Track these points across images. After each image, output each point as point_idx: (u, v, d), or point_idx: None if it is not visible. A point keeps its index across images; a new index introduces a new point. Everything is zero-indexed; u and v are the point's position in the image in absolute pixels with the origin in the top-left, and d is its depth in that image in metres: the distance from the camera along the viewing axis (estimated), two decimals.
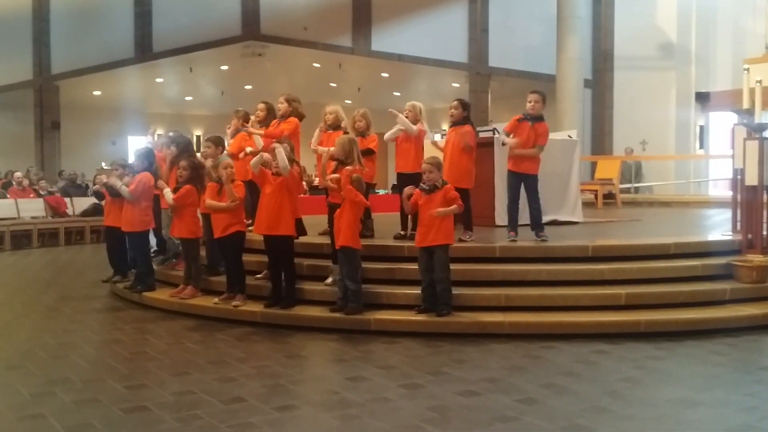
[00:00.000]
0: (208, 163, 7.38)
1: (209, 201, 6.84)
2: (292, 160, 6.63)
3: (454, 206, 6.03)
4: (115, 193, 7.95)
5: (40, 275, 10.28)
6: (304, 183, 7.22)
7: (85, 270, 10.66)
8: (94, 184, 14.34)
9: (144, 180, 7.63)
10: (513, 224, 7.27)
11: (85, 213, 15.30)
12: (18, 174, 15.43)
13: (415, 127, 7.25)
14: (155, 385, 4.66)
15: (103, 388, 4.62)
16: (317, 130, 7.69)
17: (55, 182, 17.30)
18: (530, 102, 7.17)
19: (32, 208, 14.68)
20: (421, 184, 6.21)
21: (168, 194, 7.27)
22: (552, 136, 7.93)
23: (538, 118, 7.17)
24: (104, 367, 5.23)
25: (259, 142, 7.83)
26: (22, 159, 19.09)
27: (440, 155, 7.18)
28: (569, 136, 10.19)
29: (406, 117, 7.39)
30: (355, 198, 6.21)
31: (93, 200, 15.41)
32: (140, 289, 7.61)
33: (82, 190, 17.07)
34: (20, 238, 14.09)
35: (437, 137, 9.15)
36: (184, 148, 7.64)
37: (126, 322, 6.75)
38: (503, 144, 7.32)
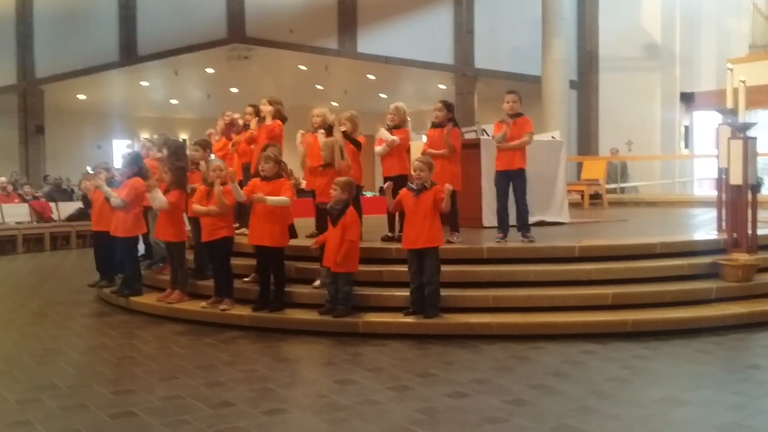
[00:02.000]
0: (202, 166, 7.33)
1: (196, 206, 6.81)
2: (279, 161, 6.61)
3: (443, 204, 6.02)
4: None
5: (26, 281, 10.21)
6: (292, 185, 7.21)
7: (71, 275, 10.59)
8: (80, 190, 14.25)
9: (135, 185, 7.56)
10: (503, 226, 7.30)
11: (71, 218, 15.22)
12: (2, 179, 15.32)
13: (396, 138, 7.25)
14: (143, 390, 4.64)
15: (90, 394, 4.59)
16: (299, 135, 7.64)
17: (40, 187, 17.18)
18: (507, 102, 7.32)
19: (17, 213, 14.60)
20: (410, 184, 6.22)
21: (162, 198, 7.15)
22: (536, 137, 7.96)
23: (518, 115, 7.26)
24: (91, 372, 5.20)
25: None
26: (6, 164, 18.92)
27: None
28: (552, 137, 10.24)
29: (392, 120, 7.42)
30: (354, 238, 6.20)
31: (78, 205, 15.33)
32: (127, 294, 7.57)
33: (67, 195, 16.98)
34: (5, 243, 14.00)
35: (424, 139, 9.15)
36: (174, 152, 7.60)
37: (113, 327, 6.72)
38: (498, 142, 7.30)
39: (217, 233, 6.76)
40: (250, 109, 8.23)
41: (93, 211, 8.48)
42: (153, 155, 8.35)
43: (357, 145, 7.22)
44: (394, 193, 6.38)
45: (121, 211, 7.58)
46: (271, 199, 6.40)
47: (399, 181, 6.93)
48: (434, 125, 7.42)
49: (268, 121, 7.84)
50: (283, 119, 7.92)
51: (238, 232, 7.31)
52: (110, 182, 8.02)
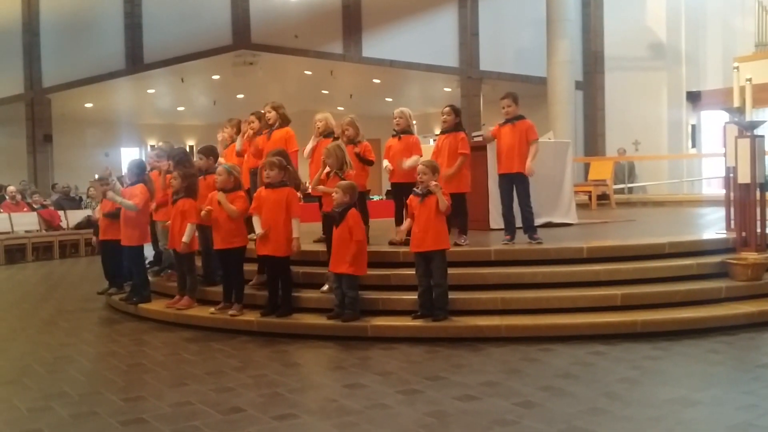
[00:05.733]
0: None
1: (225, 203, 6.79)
2: (285, 168, 6.60)
3: (444, 202, 5.98)
4: (113, 215, 7.92)
5: (35, 289, 10.25)
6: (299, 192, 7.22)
7: (80, 283, 10.63)
8: (88, 197, 14.27)
9: (141, 190, 7.58)
10: (510, 228, 7.29)
11: (79, 226, 15.26)
12: (11, 188, 15.39)
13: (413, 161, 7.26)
14: (153, 396, 4.65)
15: (101, 401, 4.60)
16: (312, 139, 7.68)
17: (49, 195, 17.26)
18: (503, 107, 7.32)
19: (26, 222, 14.65)
20: (415, 189, 6.22)
21: (189, 231, 7.15)
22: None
23: (517, 118, 7.23)
24: (101, 380, 5.21)
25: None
26: (14, 173, 19.07)
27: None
28: (548, 138, 10.22)
29: (398, 125, 7.43)
30: (361, 238, 6.18)
31: (87, 213, 15.41)
32: (136, 301, 7.59)
33: (75, 203, 17.05)
34: (14, 252, 14.06)
35: (431, 142, 9.18)
36: (180, 160, 7.61)
37: (122, 335, 6.74)
38: (483, 138, 7.35)
39: (233, 242, 6.76)
40: (253, 118, 8.22)
41: (100, 221, 8.51)
42: (159, 166, 8.36)
43: (369, 163, 7.24)
44: (403, 198, 6.40)
45: (128, 219, 7.56)
46: (296, 226, 6.47)
47: (405, 188, 6.93)
48: (444, 131, 7.41)
49: (248, 134, 7.94)
50: (288, 122, 7.90)
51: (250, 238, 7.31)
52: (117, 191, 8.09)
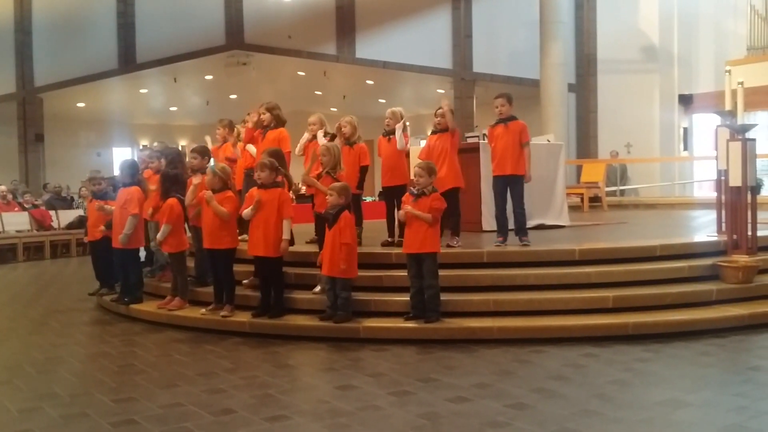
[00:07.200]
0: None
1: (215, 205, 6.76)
2: (276, 168, 6.57)
3: (428, 215, 5.99)
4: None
5: (26, 289, 10.20)
6: (291, 193, 7.21)
7: (71, 283, 10.59)
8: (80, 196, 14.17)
9: (138, 195, 7.55)
10: (502, 230, 7.29)
11: (71, 226, 15.21)
12: (2, 188, 15.31)
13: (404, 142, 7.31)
14: (144, 398, 4.63)
15: (91, 402, 4.58)
16: (304, 136, 7.69)
17: (40, 195, 17.18)
18: (496, 107, 7.33)
19: (17, 222, 14.59)
20: (410, 188, 6.22)
21: (164, 230, 7.22)
22: (533, 140, 7.95)
23: (510, 119, 7.23)
24: (92, 380, 5.19)
25: (253, 150, 7.87)
26: (5, 172, 18.97)
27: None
28: (548, 140, 10.24)
29: (387, 125, 7.45)
30: (349, 241, 6.15)
31: (79, 213, 15.35)
32: (128, 301, 7.56)
33: (67, 203, 16.98)
34: (5, 252, 14.01)
35: (421, 144, 9.20)
36: (171, 160, 7.61)
37: (113, 335, 6.71)
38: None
39: (221, 242, 6.74)
40: (224, 122, 8.28)
41: (89, 223, 8.49)
42: (153, 167, 8.35)
43: (365, 169, 7.37)
44: (394, 201, 6.39)
45: (123, 223, 7.52)
46: (286, 227, 6.42)
47: (397, 191, 6.94)
48: (435, 131, 7.42)
49: (241, 144, 7.93)
50: (283, 123, 7.89)
51: (239, 238, 7.30)
52: (106, 193, 8.09)
